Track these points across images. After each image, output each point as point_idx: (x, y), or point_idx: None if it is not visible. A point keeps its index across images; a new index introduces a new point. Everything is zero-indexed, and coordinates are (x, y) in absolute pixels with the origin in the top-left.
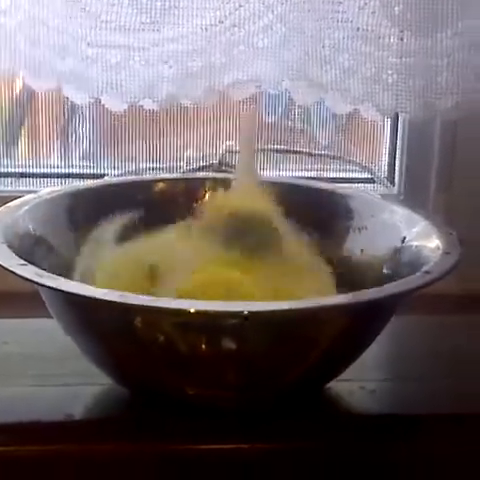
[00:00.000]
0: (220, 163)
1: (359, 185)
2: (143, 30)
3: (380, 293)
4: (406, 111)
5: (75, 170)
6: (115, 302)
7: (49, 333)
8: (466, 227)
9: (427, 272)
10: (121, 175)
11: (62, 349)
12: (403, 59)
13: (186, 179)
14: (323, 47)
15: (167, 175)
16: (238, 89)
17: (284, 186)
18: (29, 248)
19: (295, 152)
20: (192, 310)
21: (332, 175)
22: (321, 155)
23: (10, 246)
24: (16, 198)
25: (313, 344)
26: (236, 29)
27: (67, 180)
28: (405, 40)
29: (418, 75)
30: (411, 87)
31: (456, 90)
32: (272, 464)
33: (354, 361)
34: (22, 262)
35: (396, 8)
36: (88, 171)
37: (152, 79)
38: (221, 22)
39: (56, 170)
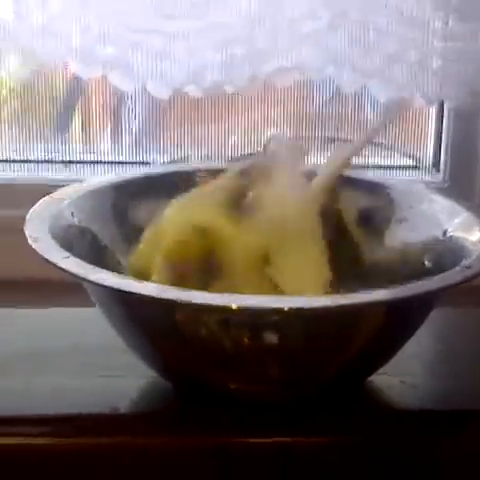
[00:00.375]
0: (264, 151)
1: (404, 172)
2: (187, 17)
3: (419, 289)
4: (451, 99)
5: (123, 157)
6: (156, 298)
7: (94, 323)
8: None
9: (468, 267)
10: (168, 162)
11: (107, 340)
12: (449, 44)
13: None
14: (368, 32)
15: (210, 164)
16: (282, 76)
17: None
18: (73, 240)
19: (341, 140)
20: (234, 306)
21: (378, 162)
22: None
23: (54, 237)
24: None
25: (352, 339)
26: (280, 15)
27: (116, 167)
28: (450, 24)
29: (464, 61)
30: (457, 74)
31: None
32: (313, 458)
33: (393, 355)
34: (66, 254)
35: None
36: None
37: (196, 66)
38: (265, 8)
39: (105, 157)
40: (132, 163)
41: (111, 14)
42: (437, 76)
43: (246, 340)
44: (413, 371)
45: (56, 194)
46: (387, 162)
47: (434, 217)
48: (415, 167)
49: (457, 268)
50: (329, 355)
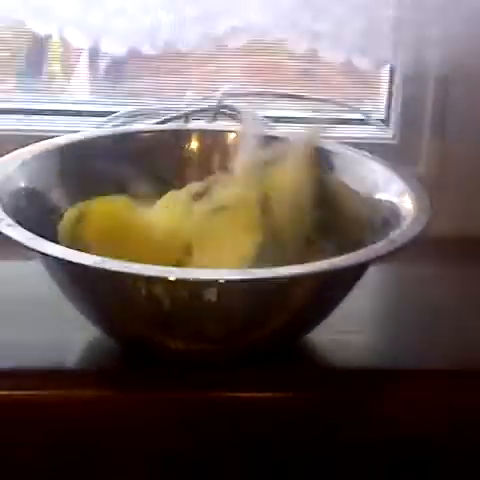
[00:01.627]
0: (218, 105)
1: (354, 127)
2: None
3: (344, 262)
4: (398, 64)
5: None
6: (93, 267)
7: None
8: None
9: (392, 241)
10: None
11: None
12: (395, 11)
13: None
14: None
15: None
16: (233, 36)
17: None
18: (21, 203)
19: (291, 96)
20: (171, 278)
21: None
22: (318, 100)
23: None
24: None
25: (283, 306)
26: None
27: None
28: None
29: (411, 28)
30: (402, 39)
31: (445, 44)
32: (247, 413)
33: (325, 318)
34: (10, 222)
35: None
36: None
37: (150, 25)
38: None
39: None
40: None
41: None
42: (383, 42)
43: (183, 305)
44: (346, 329)
45: (4, 158)
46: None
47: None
48: (364, 122)
49: (383, 241)
50: (261, 320)
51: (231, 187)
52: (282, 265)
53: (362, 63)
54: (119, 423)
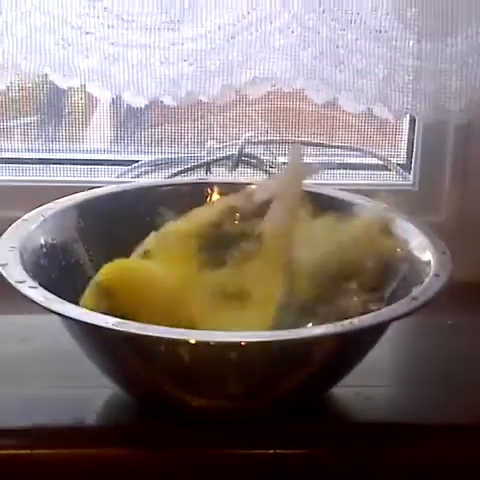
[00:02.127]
0: (239, 154)
1: (375, 173)
2: (163, 29)
3: (365, 322)
4: (417, 113)
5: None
6: (111, 329)
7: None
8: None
9: (414, 298)
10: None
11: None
12: (415, 62)
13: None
14: (337, 47)
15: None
16: (254, 87)
17: None
18: (43, 259)
19: (311, 144)
20: (192, 341)
21: (352, 161)
22: (341, 147)
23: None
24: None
25: (305, 365)
26: (253, 28)
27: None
28: (417, 43)
29: (429, 78)
30: (422, 89)
31: (465, 94)
32: (272, 469)
33: (348, 374)
34: (32, 284)
35: (409, 11)
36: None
37: (172, 77)
38: (239, 22)
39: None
40: (110, 163)
41: (90, 26)
42: (403, 91)
43: (204, 364)
44: (369, 383)
45: (26, 216)
46: (361, 160)
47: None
48: (386, 168)
49: (405, 299)
50: (282, 378)
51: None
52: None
53: (382, 113)
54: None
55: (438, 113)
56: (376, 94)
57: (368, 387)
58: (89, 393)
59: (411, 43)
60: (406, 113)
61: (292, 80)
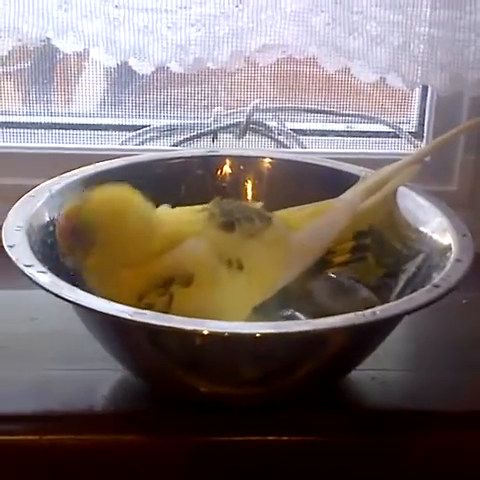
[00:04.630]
0: (247, 121)
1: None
2: None
3: (387, 312)
4: (431, 83)
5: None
6: (128, 319)
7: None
8: None
9: (436, 286)
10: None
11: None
12: (431, 30)
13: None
14: (351, 14)
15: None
16: (264, 54)
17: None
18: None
19: (320, 111)
20: (205, 332)
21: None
22: (350, 115)
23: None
24: None
25: (322, 354)
26: None
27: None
28: (434, 11)
29: (445, 47)
30: (438, 59)
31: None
32: (284, 456)
33: (364, 360)
34: (41, 269)
35: None
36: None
37: (179, 43)
38: None
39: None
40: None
41: None
42: (418, 61)
43: (216, 353)
44: (384, 367)
45: (32, 192)
46: (373, 128)
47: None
48: (397, 135)
49: (427, 287)
50: (294, 367)
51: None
52: None
53: (396, 82)
54: (149, 465)
55: (454, 85)
56: (390, 63)
57: (384, 371)
58: (99, 376)
59: (428, 10)
60: (420, 83)
61: (304, 47)
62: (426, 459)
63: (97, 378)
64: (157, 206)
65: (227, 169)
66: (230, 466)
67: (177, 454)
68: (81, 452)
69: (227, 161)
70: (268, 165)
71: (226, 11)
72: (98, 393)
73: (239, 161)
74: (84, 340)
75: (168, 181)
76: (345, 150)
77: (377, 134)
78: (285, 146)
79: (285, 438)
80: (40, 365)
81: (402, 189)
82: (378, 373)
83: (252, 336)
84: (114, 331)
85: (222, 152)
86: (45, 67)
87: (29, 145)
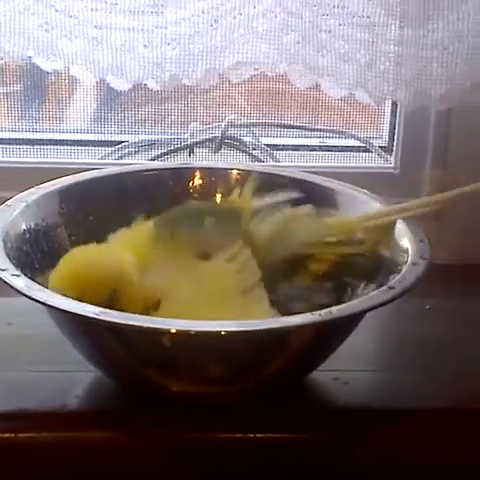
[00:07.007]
0: (222, 136)
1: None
2: (147, 13)
3: (343, 312)
4: (397, 99)
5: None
6: (96, 319)
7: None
8: None
9: (391, 287)
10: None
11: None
12: (397, 48)
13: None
14: (320, 32)
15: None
16: (237, 71)
17: (273, 177)
18: (27, 245)
19: (294, 127)
20: (173, 330)
21: (334, 143)
22: (322, 130)
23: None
24: None
25: (282, 352)
26: (236, 12)
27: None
28: (399, 29)
29: (410, 64)
30: (403, 76)
31: (445, 80)
32: (247, 454)
33: (325, 360)
34: (15, 272)
35: None
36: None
37: (155, 60)
38: (222, 5)
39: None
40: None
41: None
42: (384, 77)
43: (184, 352)
44: (346, 368)
45: (9, 202)
46: (343, 142)
47: None
48: (367, 150)
49: (382, 288)
50: (259, 365)
51: None
52: None
53: (364, 98)
54: (122, 464)
55: (418, 99)
56: (358, 80)
57: (346, 372)
58: (72, 377)
59: (393, 29)
60: (387, 99)
61: (275, 64)
62: (383, 457)
63: (71, 379)
64: (128, 217)
65: (198, 180)
66: (202, 463)
67: (150, 451)
68: (56, 449)
69: (198, 173)
70: (237, 176)
71: (200, 30)
72: (72, 393)
73: (209, 173)
74: (58, 343)
75: (141, 192)
76: (318, 164)
77: (349, 148)
78: (260, 160)
79: (251, 436)
80: (16, 367)
81: (363, 197)
82: (341, 373)
83: (218, 334)
84: (84, 331)
85: (193, 164)
86: (27, 85)
87: (8, 159)
